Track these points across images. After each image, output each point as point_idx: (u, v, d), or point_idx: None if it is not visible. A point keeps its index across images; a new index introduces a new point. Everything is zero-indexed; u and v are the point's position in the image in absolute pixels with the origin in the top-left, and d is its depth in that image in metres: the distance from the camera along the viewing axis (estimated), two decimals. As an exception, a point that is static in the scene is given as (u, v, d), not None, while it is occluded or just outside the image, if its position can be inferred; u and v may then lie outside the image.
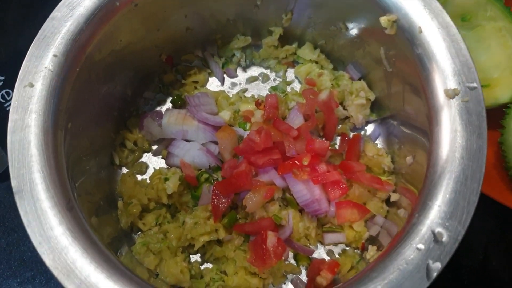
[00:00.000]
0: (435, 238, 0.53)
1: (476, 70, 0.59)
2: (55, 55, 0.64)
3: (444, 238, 0.53)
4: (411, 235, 0.54)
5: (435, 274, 0.52)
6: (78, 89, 0.67)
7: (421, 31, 0.63)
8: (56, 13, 0.66)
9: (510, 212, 0.75)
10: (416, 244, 0.53)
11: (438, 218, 0.54)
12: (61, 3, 0.67)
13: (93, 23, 0.68)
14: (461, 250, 0.77)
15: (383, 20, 0.66)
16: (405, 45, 0.65)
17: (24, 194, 0.57)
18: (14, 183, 0.58)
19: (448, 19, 0.62)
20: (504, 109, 0.78)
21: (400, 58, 0.69)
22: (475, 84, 0.59)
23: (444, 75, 0.60)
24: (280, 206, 0.75)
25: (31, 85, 0.62)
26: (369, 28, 0.73)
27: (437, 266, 0.52)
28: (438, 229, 0.54)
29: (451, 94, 0.59)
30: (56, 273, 0.54)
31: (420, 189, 0.59)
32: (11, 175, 0.58)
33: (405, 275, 0.52)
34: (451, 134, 0.57)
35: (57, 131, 0.63)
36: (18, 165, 0.58)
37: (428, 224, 0.54)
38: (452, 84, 0.59)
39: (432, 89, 0.61)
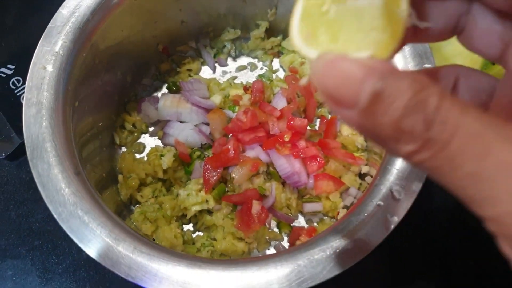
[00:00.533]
0: (393, 196, 0.62)
1: (432, 53, 0.68)
2: (64, 42, 0.72)
3: (401, 196, 0.62)
4: (373, 194, 0.63)
5: (392, 226, 0.60)
6: (84, 73, 0.76)
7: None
8: (65, 5, 0.75)
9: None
10: (377, 201, 0.62)
11: (396, 179, 0.63)
12: (69, -4, 0.76)
13: (98, 14, 0.76)
14: (426, 220, 0.87)
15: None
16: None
17: (38, 160, 0.65)
18: (29, 151, 0.65)
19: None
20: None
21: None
22: (430, 65, 0.68)
23: (405, 57, 0.69)
24: (264, 179, 0.84)
25: (44, 68, 0.70)
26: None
27: (394, 220, 0.61)
28: (396, 188, 0.62)
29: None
30: (64, 226, 0.62)
31: (383, 158, 0.68)
32: (26, 145, 0.66)
33: (367, 227, 0.61)
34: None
35: (66, 108, 0.71)
36: (33, 136, 0.66)
37: (387, 185, 0.63)
38: (411, 65, 0.68)
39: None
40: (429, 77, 0.35)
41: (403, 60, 0.69)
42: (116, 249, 0.60)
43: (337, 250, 0.59)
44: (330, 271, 0.58)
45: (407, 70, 0.27)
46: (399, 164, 0.64)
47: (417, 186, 0.62)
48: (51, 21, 0.74)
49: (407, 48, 0.69)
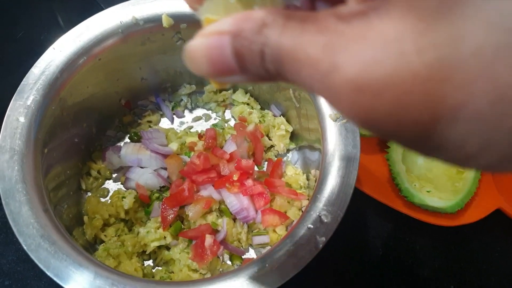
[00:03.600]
0: (321, 220, 0.72)
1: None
2: (35, 97, 0.82)
3: (327, 220, 0.72)
4: (305, 219, 0.73)
5: (321, 246, 0.70)
6: (53, 124, 0.86)
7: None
8: (36, 65, 0.85)
9: (402, 216, 0.95)
10: (308, 224, 0.72)
11: (324, 205, 0.73)
12: (40, 59, 0.86)
13: (66, 73, 0.87)
14: (364, 248, 0.96)
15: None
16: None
17: (10, 199, 0.73)
18: (2, 192, 0.74)
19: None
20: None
21: (302, 96, 0.90)
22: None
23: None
24: (217, 215, 0.93)
25: (17, 119, 0.80)
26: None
27: (322, 240, 0.70)
28: (323, 213, 0.73)
29: (334, 118, 0.79)
30: (33, 256, 0.69)
31: (314, 189, 0.78)
32: (0, 187, 0.75)
33: (299, 247, 0.70)
34: (334, 146, 0.78)
35: (37, 154, 0.80)
36: (6, 179, 0.75)
37: (316, 211, 0.73)
38: (335, 110, 0.80)
39: (322, 115, 0.81)
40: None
41: (328, 107, 0.81)
42: (80, 275, 0.68)
43: (274, 268, 0.68)
44: (269, 285, 0.67)
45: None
46: (326, 192, 0.75)
47: (341, 211, 0.73)
48: (24, 79, 0.84)
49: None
